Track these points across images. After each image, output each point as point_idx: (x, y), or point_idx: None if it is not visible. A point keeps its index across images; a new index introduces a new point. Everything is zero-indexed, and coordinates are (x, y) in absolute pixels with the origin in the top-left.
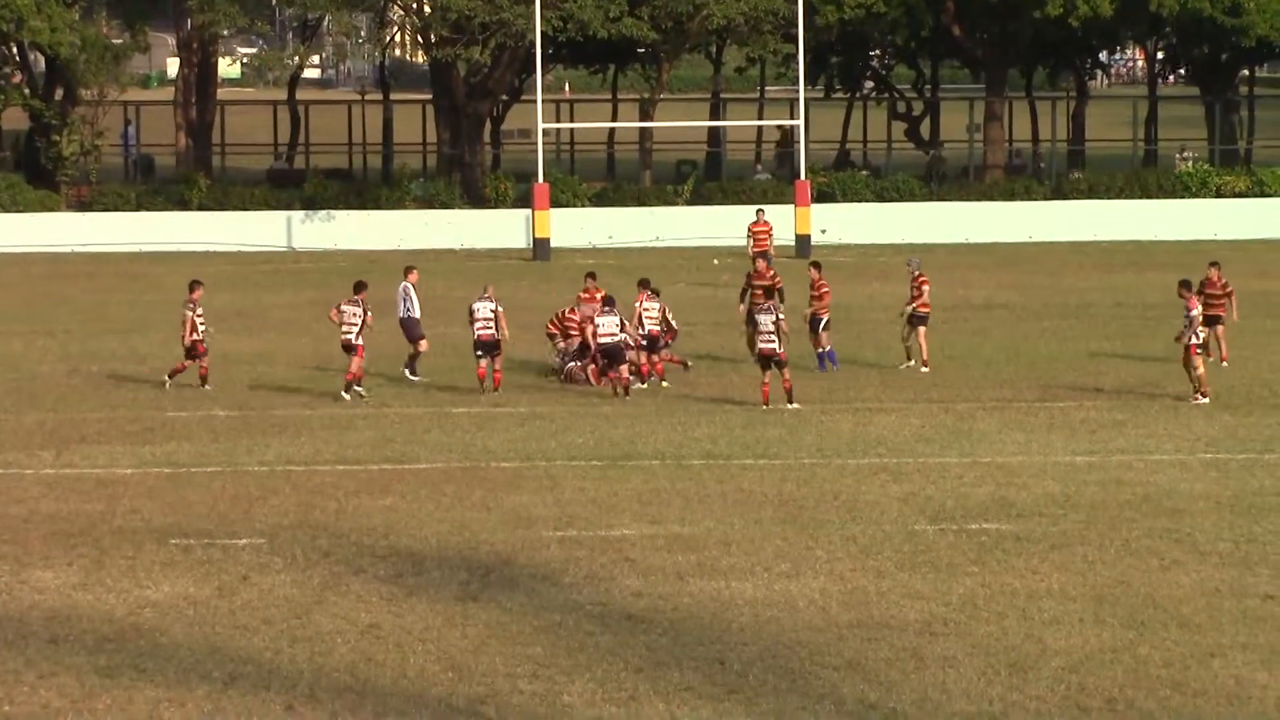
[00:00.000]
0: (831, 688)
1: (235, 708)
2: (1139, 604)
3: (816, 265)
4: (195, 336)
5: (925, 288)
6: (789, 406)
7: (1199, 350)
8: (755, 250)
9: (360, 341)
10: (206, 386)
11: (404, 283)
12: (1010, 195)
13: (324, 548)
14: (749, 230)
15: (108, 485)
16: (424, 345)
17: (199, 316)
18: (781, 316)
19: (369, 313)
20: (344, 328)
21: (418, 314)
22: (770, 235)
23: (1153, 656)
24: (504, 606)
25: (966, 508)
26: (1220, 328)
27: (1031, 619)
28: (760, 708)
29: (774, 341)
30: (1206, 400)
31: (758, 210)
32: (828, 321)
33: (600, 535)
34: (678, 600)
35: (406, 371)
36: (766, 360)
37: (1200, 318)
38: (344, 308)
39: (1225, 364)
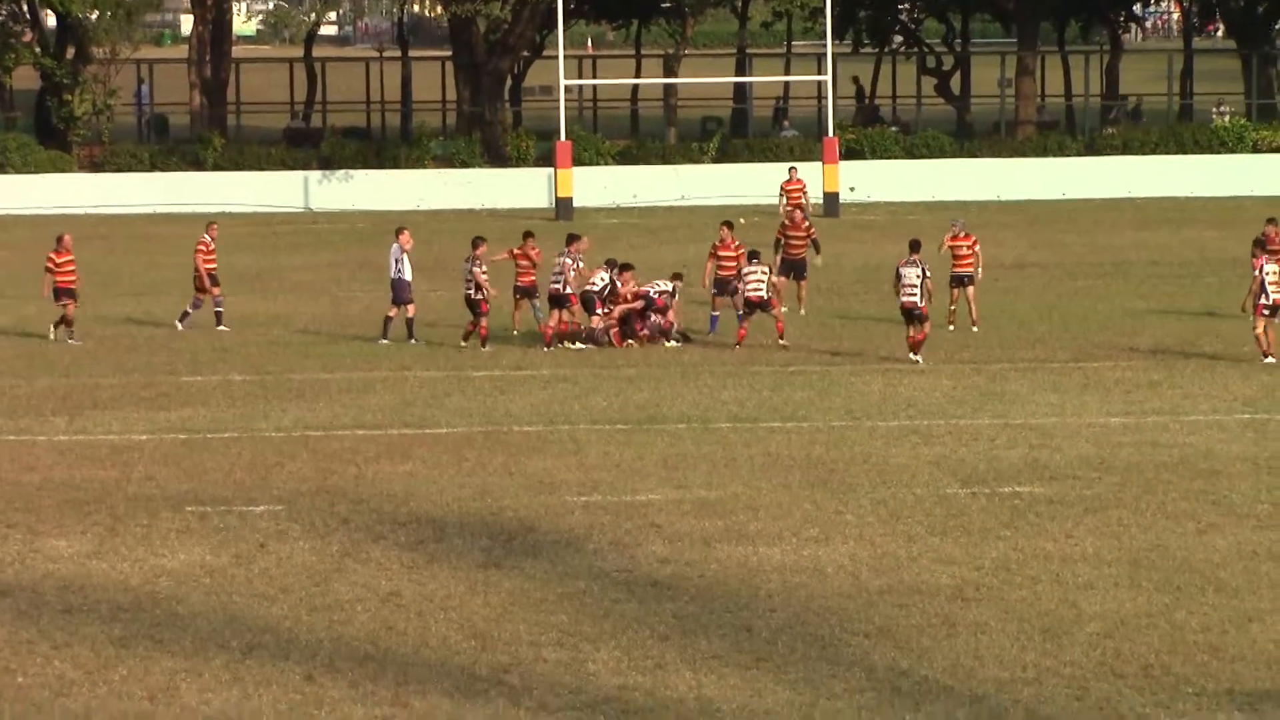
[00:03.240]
0: (862, 655)
1: (253, 677)
2: (1175, 568)
3: (728, 224)
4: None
5: (975, 247)
6: (781, 342)
7: (1265, 311)
8: (789, 207)
9: (481, 297)
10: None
11: (395, 244)
12: (1043, 151)
13: (343, 514)
14: (782, 188)
15: (122, 451)
16: (412, 309)
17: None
18: (775, 279)
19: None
20: (467, 284)
21: (408, 276)
22: (805, 193)
23: (1189, 621)
24: (527, 574)
25: (999, 470)
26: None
27: (1065, 584)
28: (789, 676)
29: (762, 290)
30: (1271, 360)
31: (790, 168)
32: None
33: (625, 500)
34: (704, 567)
35: (412, 339)
36: (752, 307)
37: (1260, 278)
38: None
39: None
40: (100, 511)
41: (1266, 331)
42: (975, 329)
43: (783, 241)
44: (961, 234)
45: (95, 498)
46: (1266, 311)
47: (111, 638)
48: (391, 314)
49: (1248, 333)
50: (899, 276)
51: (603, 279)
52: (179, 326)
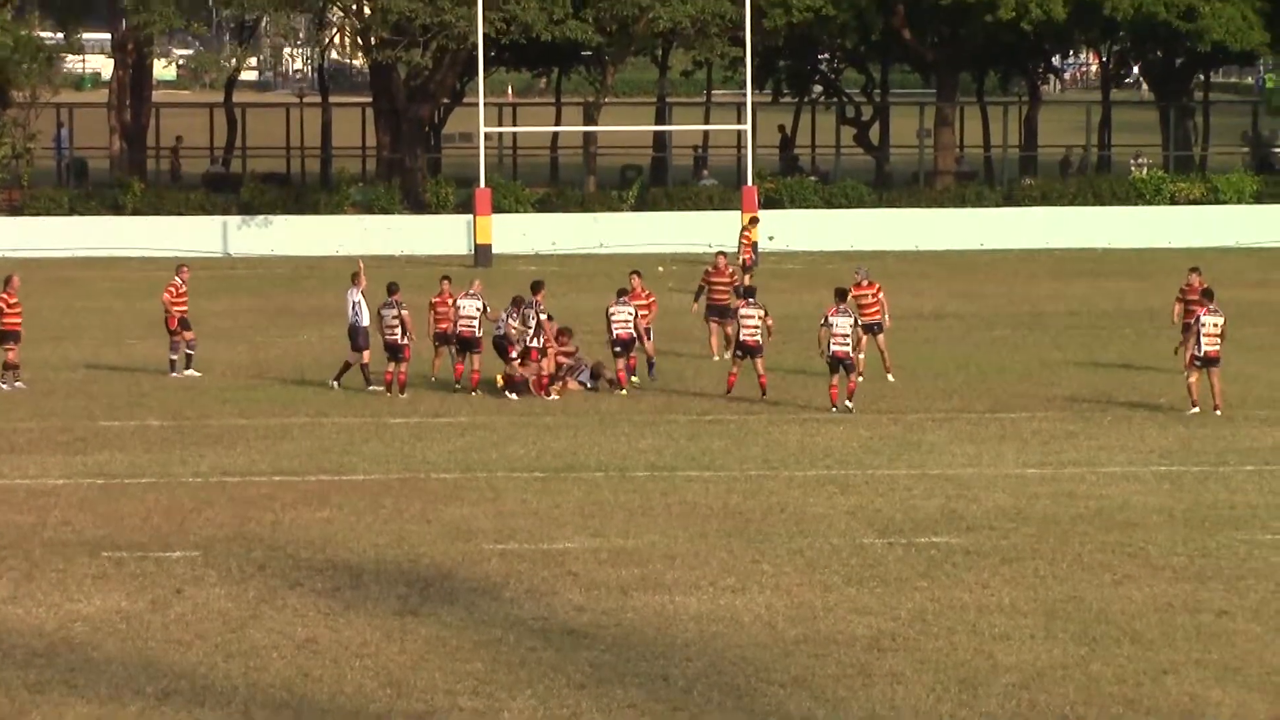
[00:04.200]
0: (777, 705)
1: None
2: (1091, 619)
3: (637, 273)
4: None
5: (880, 295)
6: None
7: (1197, 362)
8: (745, 257)
9: (406, 342)
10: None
11: (352, 288)
12: (961, 202)
13: (259, 560)
14: (741, 237)
15: (38, 496)
16: (367, 355)
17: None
18: (768, 320)
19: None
20: (387, 330)
21: (365, 321)
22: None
23: (1105, 673)
24: (444, 621)
25: (916, 521)
26: None
27: (982, 634)
28: None
29: (757, 334)
30: (1196, 410)
31: (751, 218)
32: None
33: (542, 549)
34: (621, 615)
35: (336, 383)
36: (744, 350)
37: (1196, 329)
38: (382, 312)
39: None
40: (16, 556)
41: (1199, 382)
42: (890, 378)
43: (706, 288)
44: (865, 283)
45: (11, 543)
46: (1198, 362)
47: (26, 683)
48: (350, 359)
49: (1165, 385)
50: (830, 325)
51: (477, 308)
52: (174, 375)
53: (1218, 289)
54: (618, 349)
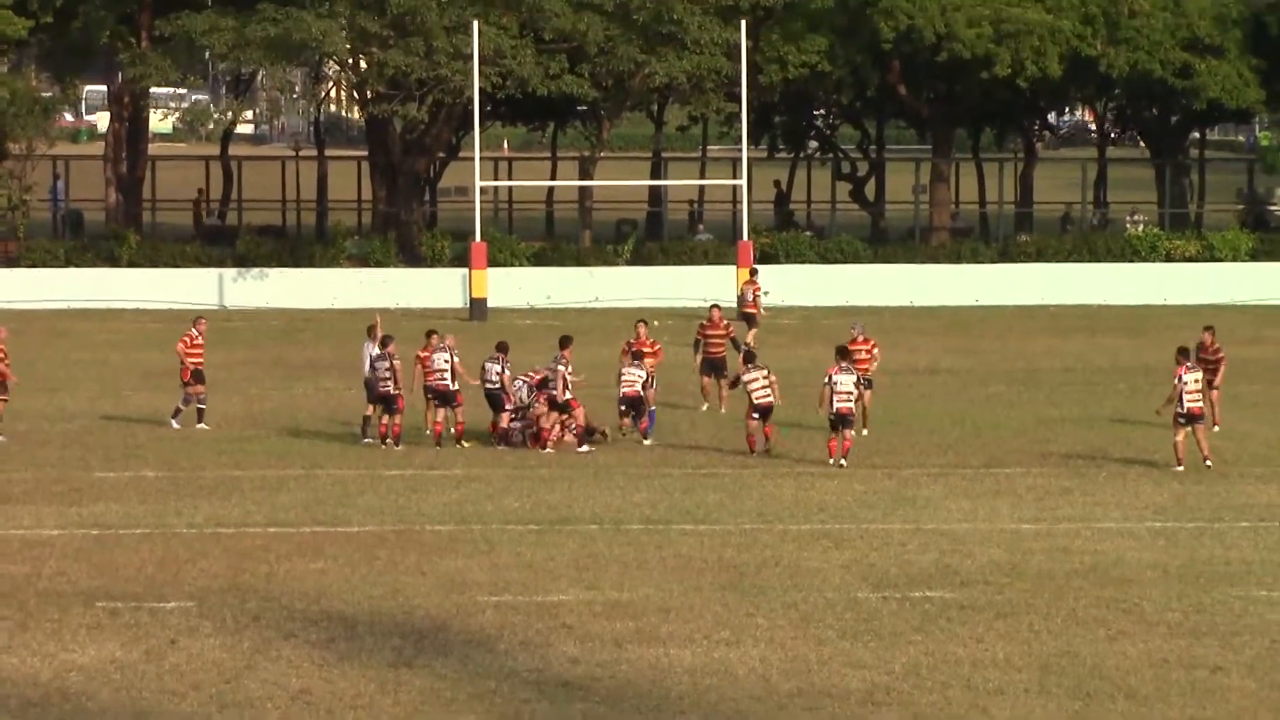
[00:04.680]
0: None
1: None
2: (1085, 674)
3: (644, 322)
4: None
5: (874, 350)
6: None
7: (1180, 420)
8: (745, 310)
9: (398, 392)
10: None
11: (368, 341)
12: (957, 258)
13: (254, 611)
14: (742, 289)
15: (33, 546)
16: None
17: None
18: (771, 377)
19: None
20: (382, 382)
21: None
22: (758, 296)
23: None
24: (438, 673)
25: (910, 575)
26: (1215, 392)
27: (976, 689)
28: None
29: (769, 395)
30: (1181, 469)
31: (751, 270)
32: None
33: (536, 601)
34: (615, 668)
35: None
36: (764, 412)
37: (1179, 386)
38: (375, 364)
39: (1216, 428)
40: (10, 606)
41: (1185, 440)
42: (865, 431)
43: (702, 341)
44: (861, 338)
45: (6, 592)
46: (1182, 420)
47: None
48: (368, 413)
49: (1159, 441)
50: (833, 384)
51: (446, 360)
52: (176, 425)
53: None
54: (623, 407)
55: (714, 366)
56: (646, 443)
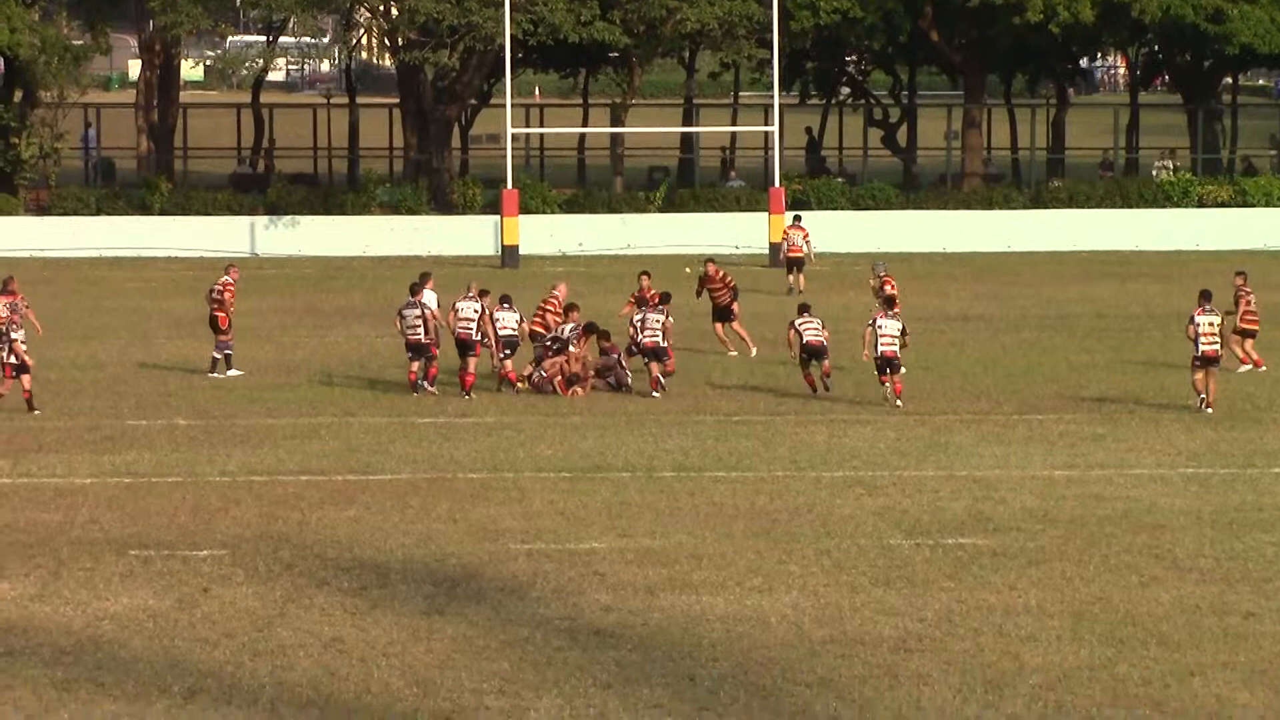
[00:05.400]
0: (804, 705)
1: None
2: (1118, 621)
3: (647, 274)
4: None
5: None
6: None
7: (1197, 362)
8: (790, 255)
9: (430, 340)
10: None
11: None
12: (988, 204)
13: (286, 560)
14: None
15: (66, 495)
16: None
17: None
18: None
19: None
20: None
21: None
22: (807, 241)
23: (1132, 674)
24: (470, 620)
25: (942, 522)
26: (1248, 340)
27: (1008, 635)
28: None
29: (819, 336)
30: (1210, 411)
31: (795, 215)
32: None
33: (569, 548)
34: (647, 615)
35: (427, 384)
36: (813, 352)
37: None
38: (404, 312)
39: (1262, 368)
40: (44, 555)
41: (1203, 379)
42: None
43: (707, 292)
44: (884, 276)
45: (39, 541)
46: (1198, 362)
47: (54, 681)
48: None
49: (1191, 387)
50: (879, 327)
51: (475, 310)
52: (215, 375)
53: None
54: (645, 357)
55: (722, 314)
56: (656, 395)
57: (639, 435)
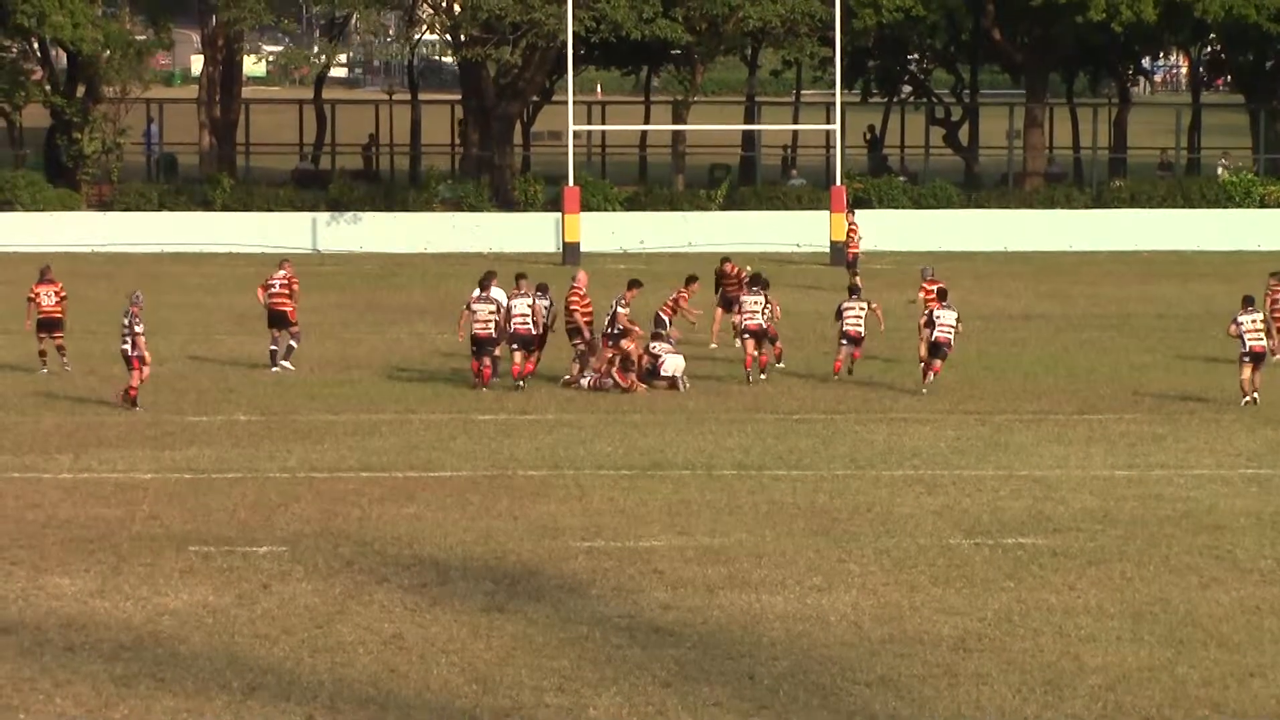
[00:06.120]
0: (863, 704)
1: (255, 718)
2: (1178, 622)
3: (728, 260)
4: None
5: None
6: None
7: (1245, 359)
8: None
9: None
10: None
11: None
12: (1050, 203)
13: (346, 556)
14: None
15: (126, 490)
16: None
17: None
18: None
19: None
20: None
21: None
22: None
23: (1191, 676)
24: (530, 618)
25: (1002, 521)
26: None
27: (1068, 636)
28: None
29: (859, 325)
30: (1248, 401)
31: (850, 212)
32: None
33: (628, 546)
34: (707, 613)
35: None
36: (851, 340)
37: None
38: (474, 307)
39: None
40: (104, 550)
41: (1251, 376)
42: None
43: (721, 288)
44: (927, 280)
45: (99, 536)
46: (1246, 358)
47: (113, 676)
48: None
49: (1239, 386)
50: (935, 316)
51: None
52: (276, 369)
53: None
54: (746, 336)
55: (727, 304)
56: (779, 367)
57: (699, 433)
